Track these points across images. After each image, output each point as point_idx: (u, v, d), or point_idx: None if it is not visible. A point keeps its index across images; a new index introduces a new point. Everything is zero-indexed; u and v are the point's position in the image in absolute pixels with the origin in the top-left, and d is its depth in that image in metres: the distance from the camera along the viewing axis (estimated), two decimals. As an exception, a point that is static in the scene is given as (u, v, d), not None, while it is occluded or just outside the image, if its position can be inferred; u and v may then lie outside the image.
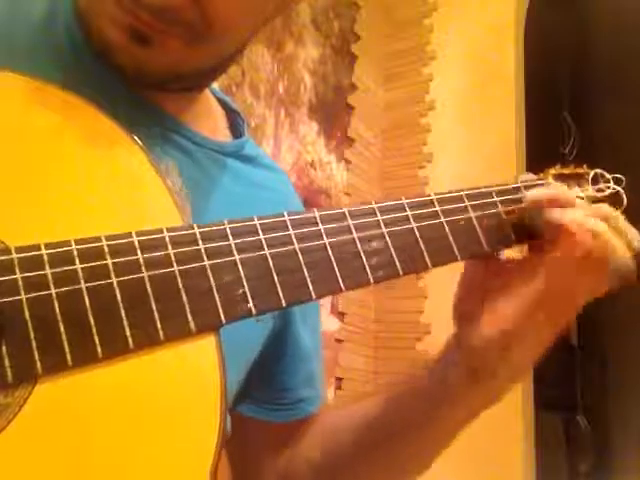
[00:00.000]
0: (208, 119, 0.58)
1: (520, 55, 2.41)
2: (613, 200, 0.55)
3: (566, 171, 0.57)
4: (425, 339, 2.25)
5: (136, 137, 0.42)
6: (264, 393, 0.62)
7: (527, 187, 0.53)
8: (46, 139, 0.40)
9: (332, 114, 2.37)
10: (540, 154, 2.34)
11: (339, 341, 2.21)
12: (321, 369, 0.67)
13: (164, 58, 0.47)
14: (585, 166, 0.58)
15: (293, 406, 0.63)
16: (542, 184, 0.54)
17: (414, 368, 0.58)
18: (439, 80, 2.54)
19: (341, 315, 2.21)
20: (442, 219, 0.48)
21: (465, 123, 2.44)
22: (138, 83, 0.49)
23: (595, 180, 0.56)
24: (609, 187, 0.56)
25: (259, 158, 0.61)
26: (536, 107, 2.40)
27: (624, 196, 0.55)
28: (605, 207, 0.51)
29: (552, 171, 0.57)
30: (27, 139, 0.39)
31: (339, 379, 2.19)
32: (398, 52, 2.68)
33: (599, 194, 0.55)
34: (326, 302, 2.09)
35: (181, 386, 0.36)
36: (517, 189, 0.53)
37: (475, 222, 0.50)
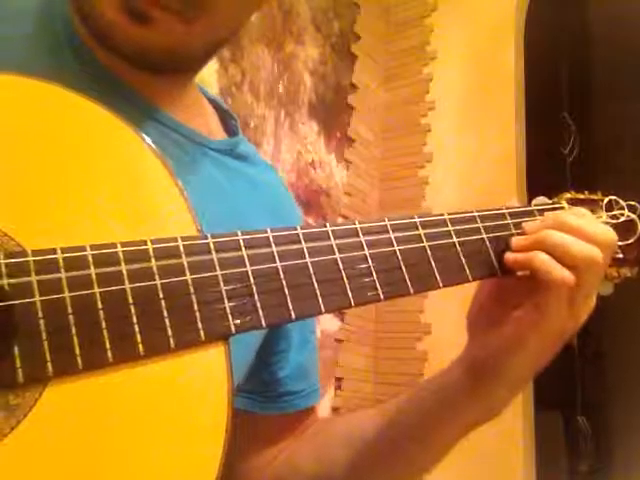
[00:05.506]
0: (201, 116, 0.59)
1: (520, 55, 2.41)
2: (627, 227, 0.55)
3: (580, 196, 0.57)
4: (425, 339, 2.25)
5: (144, 134, 0.42)
6: (254, 385, 0.62)
7: (540, 211, 0.53)
8: (48, 138, 0.40)
9: (332, 114, 2.37)
10: (540, 154, 2.34)
11: (339, 341, 2.21)
12: (314, 364, 0.67)
13: (163, 38, 0.48)
14: (600, 193, 0.58)
15: (282, 399, 0.63)
16: (556, 208, 0.54)
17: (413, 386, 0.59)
18: (439, 80, 2.54)
19: (341, 315, 2.21)
20: (454, 239, 0.49)
21: (465, 123, 2.44)
22: (138, 65, 0.50)
23: (609, 207, 0.56)
24: (623, 214, 0.56)
25: (252, 156, 0.62)
26: (536, 107, 2.40)
27: (639, 224, 0.55)
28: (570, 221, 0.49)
29: (567, 195, 0.57)
30: (30, 138, 0.39)
31: (339, 379, 2.19)
32: (398, 52, 2.68)
33: (612, 221, 0.55)
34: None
35: (188, 393, 0.37)
36: (530, 212, 0.53)
37: (488, 245, 0.50)
